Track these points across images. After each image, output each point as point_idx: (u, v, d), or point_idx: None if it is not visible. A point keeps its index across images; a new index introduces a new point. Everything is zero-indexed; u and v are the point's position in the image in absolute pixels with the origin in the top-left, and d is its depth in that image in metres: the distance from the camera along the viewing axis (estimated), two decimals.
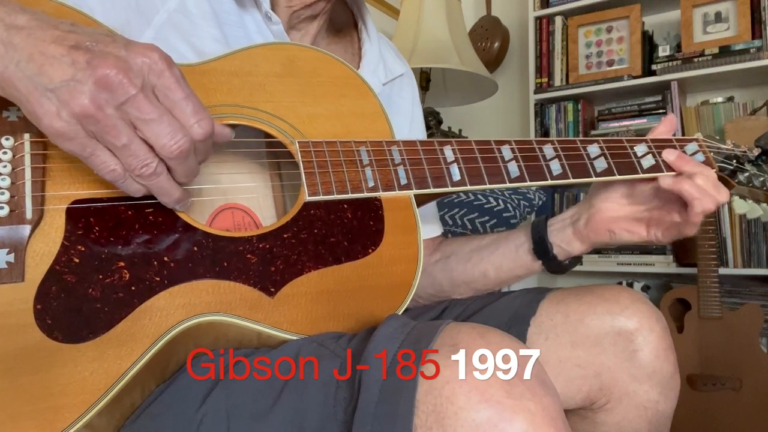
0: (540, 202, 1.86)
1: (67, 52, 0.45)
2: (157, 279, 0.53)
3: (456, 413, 0.41)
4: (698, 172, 0.70)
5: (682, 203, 0.71)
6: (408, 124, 0.92)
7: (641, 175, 0.73)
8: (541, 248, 0.79)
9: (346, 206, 0.63)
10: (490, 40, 2.59)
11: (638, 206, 0.76)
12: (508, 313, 0.74)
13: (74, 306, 0.50)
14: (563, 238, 0.78)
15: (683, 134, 2.14)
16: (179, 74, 0.49)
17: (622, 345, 0.69)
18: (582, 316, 0.70)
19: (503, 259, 0.82)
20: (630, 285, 2.22)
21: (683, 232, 0.72)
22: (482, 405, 0.41)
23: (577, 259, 0.81)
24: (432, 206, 0.95)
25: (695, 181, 0.69)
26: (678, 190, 0.70)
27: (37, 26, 0.46)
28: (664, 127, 0.78)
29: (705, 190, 0.69)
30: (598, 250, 2.23)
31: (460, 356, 0.44)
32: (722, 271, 1.90)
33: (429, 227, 0.91)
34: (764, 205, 0.77)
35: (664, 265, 2.13)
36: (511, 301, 0.76)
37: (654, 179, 0.73)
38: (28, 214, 0.51)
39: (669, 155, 0.73)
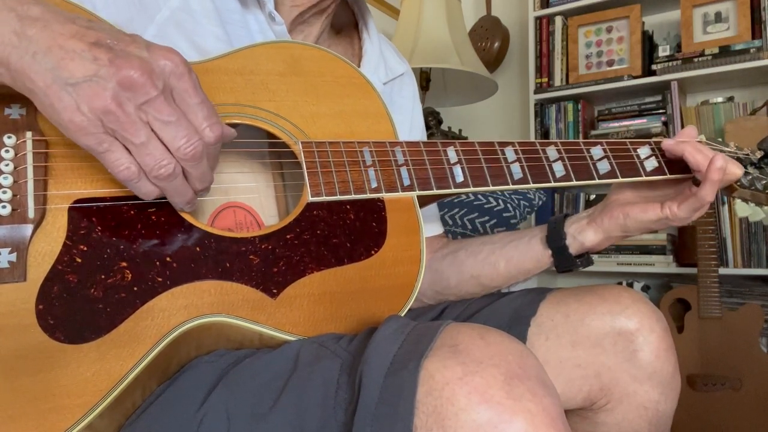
0: (540, 203, 1.86)
1: (88, 48, 0.45)
2: (160, 279, 0.53)
3: (456, 414, 0.41)
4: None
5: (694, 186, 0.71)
6: (408, 123, 0.93)
7: (644, 178, 0.73)
8: (554, 236, 0.77)
9: (348, 207, 0.63)
10: (490, 40, 2.58)
11: (652, 192, 0.77)
12: (508, 314, 0.74)
13: (76, 306, 0.50)
14: (577, 227, 0.77)
15: None
16: (196, 79, 0.49)
17: (623, 345, 0.69)
18: (582, 316, 0.70)
19: (514, 251, 0.80)
20: (630, 285, 2.22)
21: (702, 204, 0.70)
22: (482, 406, 0.41)
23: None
24: (433, 206, 0.95)
25: (719, 158, 0.69)
26: (695, 162, 0.69)
27: (53, 19, 0.46)
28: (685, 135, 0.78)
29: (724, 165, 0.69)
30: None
31: (460, 357, 0.44)
32: (722, 271, 1.90)
33: (430, 226, 0.91)
34: (766, 208, 0.76)
35: (664, 265, 2.13)
36: (512, 302, 0.76)
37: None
38: (30, 213, 0.50)
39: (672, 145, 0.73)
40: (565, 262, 0.78)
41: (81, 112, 0.45)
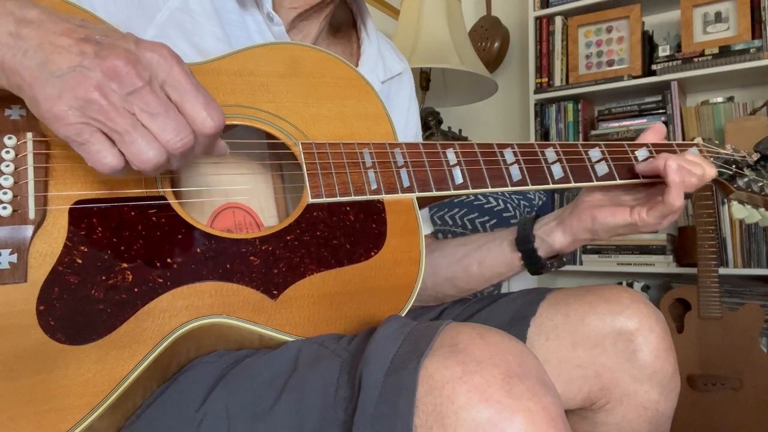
0: (540, 203, 1.87)
1: (75, 43, 0.45)
2: (160, 280, 0.53)
3: (456, 413, 0.41)
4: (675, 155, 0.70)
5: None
6: (404, 120, 0.93)
7: (642, 180, 0.73)
8: (523, 239, 0.78)
9: (348, 208, 0.63)
10: (490, 40, 2.58)
11: (623, 196, 0.76)
12: (508, 314, 0.74)
13: (77, 307, 0.50)
14: (546, 229, 0.77)
15: (683, 135, 2.14)
16: (188, 70, 0.48)
17: (623, 345, 0.69)
18: (582, 317, 0.70)
19: (486, 254, 0.81)
20: (630, 285, 2.22)
21: (670, 211, 0.69)
22: (482, 405, 0.41)
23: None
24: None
25: (671, 159, 0.68)
26: (654, 167, 0.69)
27: (48, 19, 0.46)
28: (652, 134, 0.77)
29: (681, 165, 0.68)
30: (598, 250, 2.23)
31: (459, 356, 0.44)
32: (722, 271, 1.90)
33: None
34: (762, 210, 0.76)
35: (664, 265, 2.12)
36: (512, 302, 0.76)
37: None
38: (31, 214, 0.51)
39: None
40: (535, 264, 0.78)
41: (62, 101, 0.44)
